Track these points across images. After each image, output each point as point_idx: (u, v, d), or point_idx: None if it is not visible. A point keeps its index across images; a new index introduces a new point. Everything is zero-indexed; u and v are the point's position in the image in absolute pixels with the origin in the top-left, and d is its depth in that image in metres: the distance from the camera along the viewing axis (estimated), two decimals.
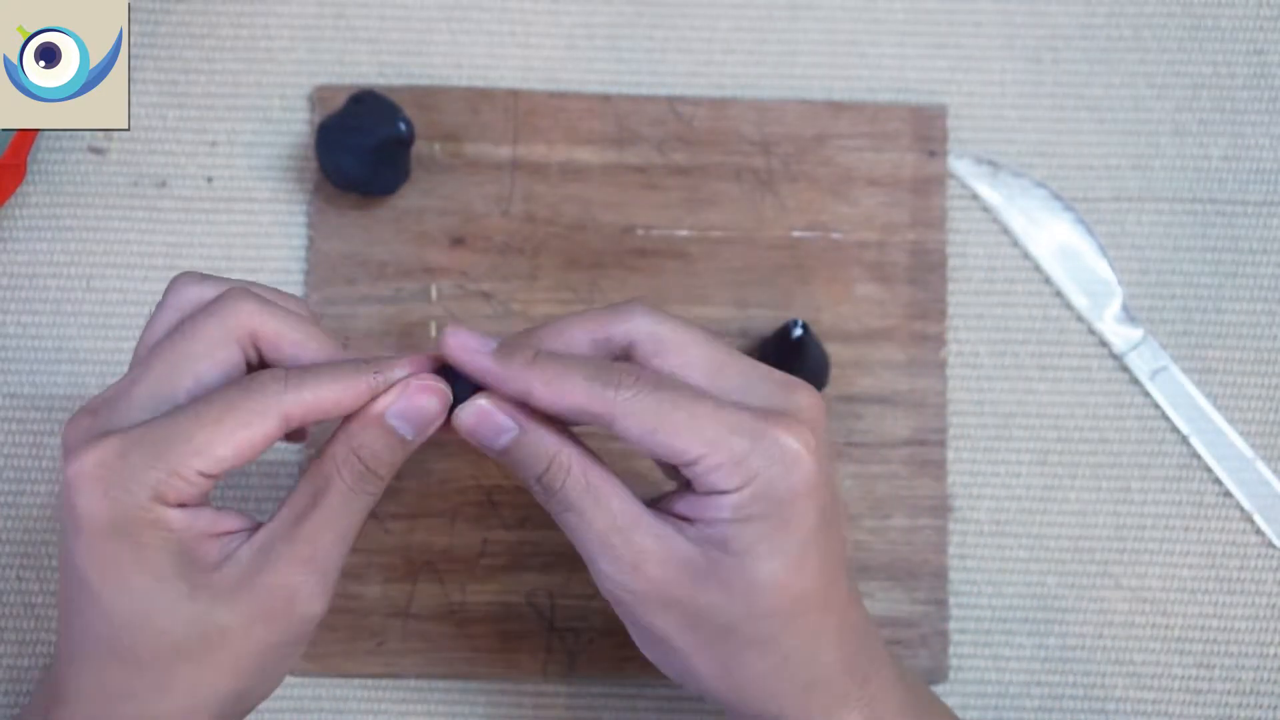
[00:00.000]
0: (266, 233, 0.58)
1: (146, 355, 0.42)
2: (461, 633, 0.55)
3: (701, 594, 0.42)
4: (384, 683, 0.56)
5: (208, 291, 0.43)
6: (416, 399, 0.42)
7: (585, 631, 0.55)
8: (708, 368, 0.43)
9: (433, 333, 0.57)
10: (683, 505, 0.43)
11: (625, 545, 0.42)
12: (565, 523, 0.43)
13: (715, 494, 0.41)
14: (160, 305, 0.44)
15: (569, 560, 0.56)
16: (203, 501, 0.41)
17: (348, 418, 0.42)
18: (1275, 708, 0.56)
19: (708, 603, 0.42)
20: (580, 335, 0.44)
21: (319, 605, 0.43)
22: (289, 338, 0.43)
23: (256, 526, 0.43)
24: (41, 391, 0.57)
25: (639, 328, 0.43)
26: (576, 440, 0.43)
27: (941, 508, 0.57)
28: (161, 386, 0.41)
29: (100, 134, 0.58)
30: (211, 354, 0.42)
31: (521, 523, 0.56)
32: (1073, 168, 0.59)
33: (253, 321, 0.42)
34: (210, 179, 0.58)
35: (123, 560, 0.40)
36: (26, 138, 0.56)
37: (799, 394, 0.43)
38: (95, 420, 0.41)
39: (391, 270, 0.57)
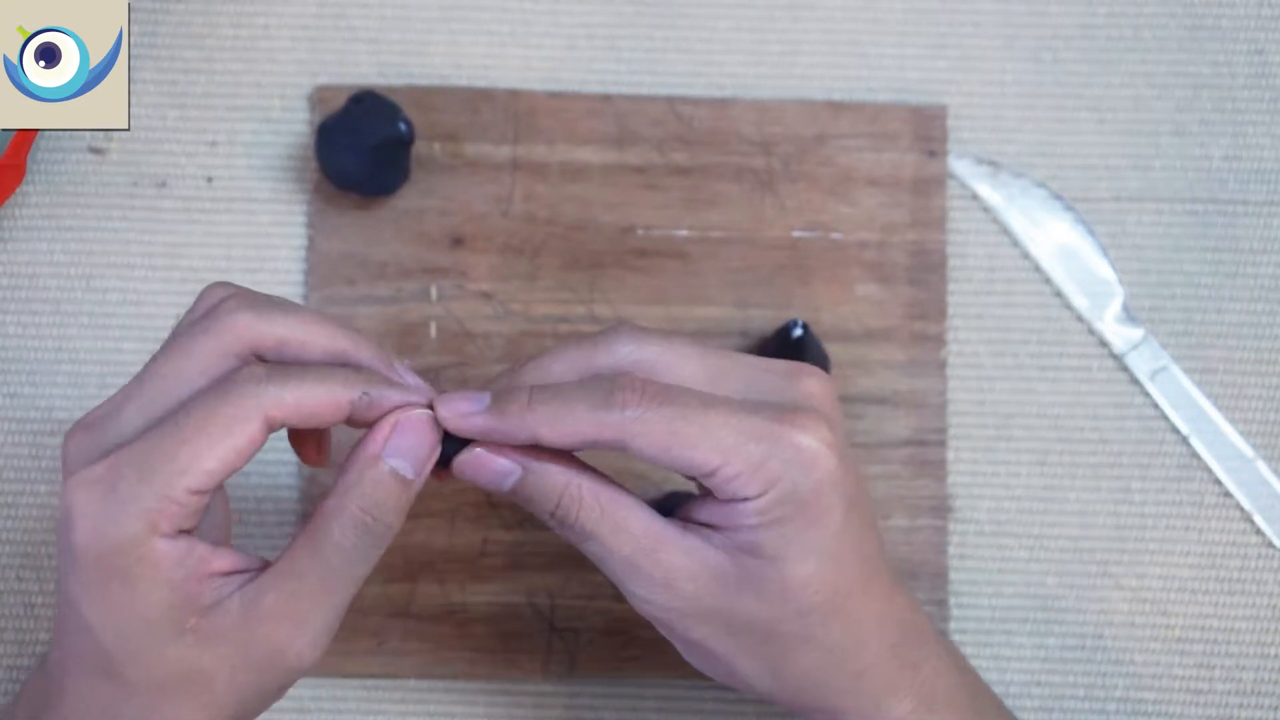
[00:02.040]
0: (266, 233, 0.58)
1: (142, 370, 0.41)
2: (461, 633, 0.55)
3: (737, 601, 0.42)
4: (384, 683, 0.56)
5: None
6: (412, 435, 0.41)
7: (585, 631, 0.55)
8: (705, 378, 0.42)
9: (432, 333, 0.57)
10: (706, 513, 0.42)
11: (653, 565, 0.42)
12: (588, 551, 0.42)
13: (738, 501, 0.41)
14: (188, 314, 0.43)
15: (569, 560, 0.56)
16: (195, 525, 0.40)
17: (340, 471, 0.41)
18: (1276, 708, 0.56)
19: (744, 609, 0.42)
20: (564, 371, 0.43)
21: (308, 659, 0.42)
22: (292, 340, 0.41)
23: (254, 568, 0.42)
24: (41, 391, 0.57)
25: (624, 356, 0.42)
26: (585, 466, 0.42)
27: (941, 508, 0.57)
28: (154, 403, 0.40)
29: (100, 134, 0.58)
30: (206, 370, 0.40)
31: (521, 523, 0.56)
32: (1073, 168, 0.59)
33: (249, 333, 0.40)
34: (210, 179, 0.58)
35: (113, 598, 0.40)
36: (26, 138, 0.56)
37: (806, 381, 0.43)
38: (90, 437, 0.40)
39: (391, 270, 0.57)
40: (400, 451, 0.41)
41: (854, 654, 0.43)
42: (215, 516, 0.42)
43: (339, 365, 0.41)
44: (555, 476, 0.42)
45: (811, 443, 0.41)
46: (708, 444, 0.40)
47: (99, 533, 0.39)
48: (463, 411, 0.41)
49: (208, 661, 0.41)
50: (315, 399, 0.40)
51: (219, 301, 0.41)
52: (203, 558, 0.40)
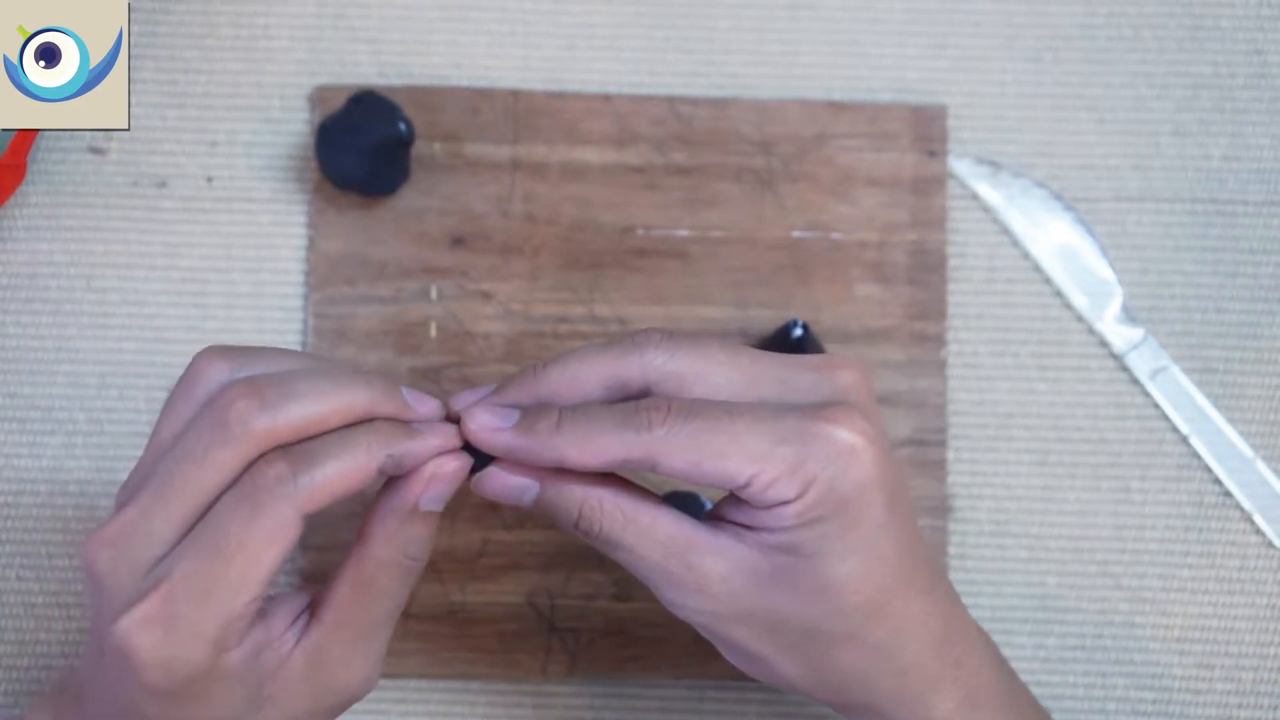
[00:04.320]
0: (266, 233, 0.58)
1: (158, 474, 0.40)
2: (461, 633, 0.55)
3: (774, 601, 0.41)
4: (384, 683, 0.56)
5: (226, 381, 0.40)
6: (445, 484, 0.42)
7: (585, 631, 0.55)
8: (738, 386, 0.41)
9: (432, 333, 0.57)
10: (741, 515, 0.42)
11: (684, 569, 0.41)
12: (619, 560, 0.42)
13: (775, 506, 0.40)
14: (181, 390, 0.41)
15: (569, 560, 0.56)
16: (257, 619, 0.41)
17: (375, 517, 0.42)
18: (1275, 708, 0.56)
19: (781, 608, 0.41)
20: (592, 379, 0.42)
21: (374, 683, 0.43)
22: (310, 425, 0.40)
23: (300, 608, 0.42)
24: (41, 391, 0.57)
25: (654, 366, 0.41)
26: (605, 476, 0.42)
27: (941, 508, 0.57)
28: (184, 516, 0.39)
29: (100, 134, 0.58)
30: (230, 478, 0.39)
31: (521, 523, 0.56)
32: (1073, 168, 0.59)
33: (269, 437, 0.39)
34: (210, 179, 0.58)
35: (188, 709, 0.40)
36: (26, 138, 0.56)
37: (841, 373, 0.42)
38: (121, 556, 0.39)
39: (391, 270, 0.57)
40: (434, 499, 0.42)
41: (897, 652, 0.43)
42: None
43: (356, 430, 0.40)
44: (572, 490, 0.42)
45: (849, 437, 0.40)
46: (738, 454, 0.40)
47: (170, 670, 0.39)
48: (489, 426, 0.41)
49: (284, 716, 0.42)
50: (343, 479, 0.39)
51: (226, 400, 0.39)
52: (262, 636, 0.41)
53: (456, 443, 0.42)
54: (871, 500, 0.41)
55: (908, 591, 0.42)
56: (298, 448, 0.39)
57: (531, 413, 0.41)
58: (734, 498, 0.42)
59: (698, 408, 0.40)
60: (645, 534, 0.41)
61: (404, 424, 0.41)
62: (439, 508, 0.42)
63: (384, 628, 0.43)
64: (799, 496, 0.40)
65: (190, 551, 0.39)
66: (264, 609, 0.41)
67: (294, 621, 0.42)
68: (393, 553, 0.42)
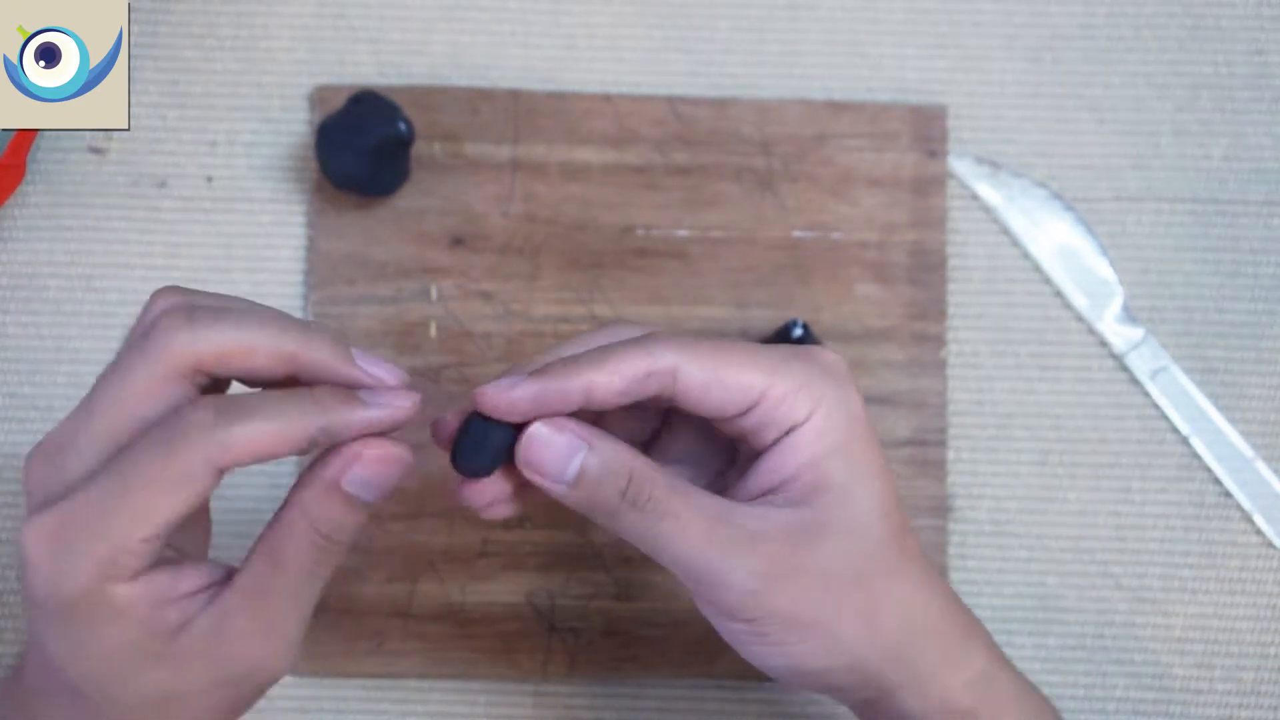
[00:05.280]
0: (266, 233, 0.58)
1: (91, 391, 0.39)
2: (461, 633, 0.55)
3: (822, 547, 0.41)
4: (384, 683, 0.56)
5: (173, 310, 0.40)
6: (373, 468, 0.40)
7: (585, 631, 0.55)
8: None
9: (432, 333, 0.57)
10: (756, 480, 0.42)
11: (732, 530, 0.41)
12: (660, 534, 0.41)
13: (790, 433, 0.41)
14: (139, 322, 0.41)
15: (569, 560, 0.56)
16: (156, 563, 0.39)
17: (299, 485, 0.40)
18: (1276, 708, 0.56)
19: (830, 553, 0.41)
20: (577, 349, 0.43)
21: (280, 670, 0.42)
22: (235, 352, 0.39)
23: (218, 579, 0.41)
24: (41, 391, 0.57)
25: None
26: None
27: (941, 508, 0.57)
28: (107, 435, 0.39)
29: (100, 134, 0.58)
30: (150, 394, 0.38)
31: (521, 523, 0.56)
32: (1073, 168, 0.59)
33: (187, 353, 0.38)
34: (210, 179, 0.58)
35: (77, 639, 0.39)
36: (26, 138, 0.56)
37: (823, 353, 0.44)
38: (48, 468, 0.39)
39: (391, 270, 0.57)
40: (360, 482, 0.40)
41: (931, 593, 0.44)
42: (192, 527, 0.42)
43: (294, 392, 0.39)
44: (623, 452, 0.41)
45: (836, 359, 0.42)
46: (754, 367, 0.41)
47: (55, 584, 0.38)
48: (505, 385, 0.40)
49: (180, 683, 0.40)
50: (267, 441, 0.38)
51: (152, 318, 0.39)
52: (165, 587, 0.39)
53: (404, 415, 0.40)
54: (870, 429, 0.42)
55: (915, 542, 0.44)
56: (229, 401, 0.38)
57: (540, 367, 0.41)
58: (743, 473, 0.43)
59: (703, 335, 0.42)
60: (690, 502, 0.41)
61: (349, 395, 0.40)
62: (369, 497, 0.40)
63: (294, 608, 0.41)
64: (811, 414, 0.41)
65: (101, 478, 0.38)
66: (176, 561, 0.40)
67: (209, 586, 0.40)
68: (304, 524, 0.40)
